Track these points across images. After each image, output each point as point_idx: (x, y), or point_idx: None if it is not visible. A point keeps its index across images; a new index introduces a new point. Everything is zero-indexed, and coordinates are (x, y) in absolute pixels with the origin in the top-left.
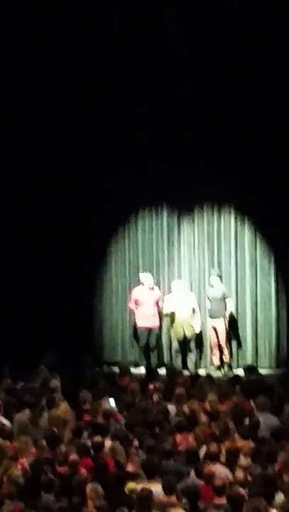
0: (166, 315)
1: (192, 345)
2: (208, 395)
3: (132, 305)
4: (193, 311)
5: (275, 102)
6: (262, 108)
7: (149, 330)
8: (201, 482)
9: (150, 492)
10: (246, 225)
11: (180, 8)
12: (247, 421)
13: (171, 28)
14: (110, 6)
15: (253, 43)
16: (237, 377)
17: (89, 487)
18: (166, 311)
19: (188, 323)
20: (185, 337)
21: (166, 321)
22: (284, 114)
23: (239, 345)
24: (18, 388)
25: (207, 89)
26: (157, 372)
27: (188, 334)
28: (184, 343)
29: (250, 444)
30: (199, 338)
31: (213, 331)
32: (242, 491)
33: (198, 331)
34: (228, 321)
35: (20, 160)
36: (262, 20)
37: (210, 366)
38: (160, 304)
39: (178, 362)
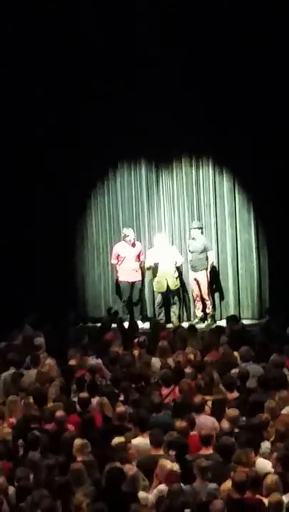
0: (149, 268)
1: (175, 298)
2: (193, 346)
3: (113, 260)
4: (176, 263)
5: (251, 53)
6: (238, 60)
7: (132, 284)
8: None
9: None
10: (224, 175)
11: None
12: (232, 371)
13: None
14: None
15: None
16: (221, 327)
17: (76, 443)
18: (148, 264)
19: (171, 275)
20: (168, 290)
21: (148, 275)
22: (260, 65)
23: (221, 296)
24: (1, 347)
25: (185, 43)
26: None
27: (172, 287)
28: (167, 296)
29: (235, 394)
30: (182, 291)
31: (195, 283)
32: (230, 440)
33: (181, 282)
34: (210, 273)
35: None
36: None
37: (193, 318)
38: (142, 258)
39: (161, 315)
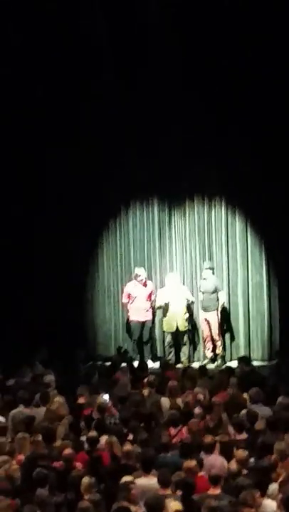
0: (160, 307)
1: (185, 338)
2: (202, 387)
3: (124, 299)
4: (188, 302)
5: (266, 92)
6: (252, 101)
7: (142, 324)
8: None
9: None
10: (237, 216)
11: None
12: (241, 413)
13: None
14: None
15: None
16: (230, 368)
17: (84, 481)
18: (159, 303)
19: (180, 315)
20: (177, 330)
21: (159, 314)
22: (275, 106)
23: (232, 337)
24: (10, 385)
25: (198, 82)
26: (147, 366)
27: (181, 327)
28: (177, 336)
29: (244, 435)
30: (193, 331)
31: (205, 323)
32: (240, 481)
33: (191, 323)
34: (221, 314)
35: (8, 152)
36: None
37: (203, 359)
38: (153, 297)
39: (171, 355)
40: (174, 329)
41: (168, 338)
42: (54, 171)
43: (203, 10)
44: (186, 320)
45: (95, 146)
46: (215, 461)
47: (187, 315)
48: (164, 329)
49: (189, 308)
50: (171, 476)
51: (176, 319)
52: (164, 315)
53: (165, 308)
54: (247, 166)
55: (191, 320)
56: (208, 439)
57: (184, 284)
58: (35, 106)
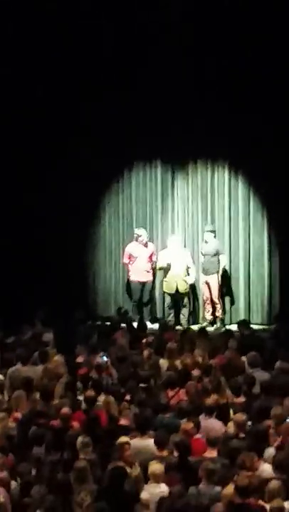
0: (161, 268)
1: (185, 300)
2: (201, 349)
3: (125, 259)
4: (187, 267)
5: (267, 56)
6: (254, 64)
7: (143, 284)
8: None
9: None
10: (240, 180)
11: None
12: (239, 376)
13: None
14: None
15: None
16: (229, 331)
17: (80, 440)
18: (160, 264)
19: (181, 277)
20: (177, 291)
21: (159, 276)
22: (276, 71)
23: (232, 300)
24: (10, 342)
25: (200, 44)
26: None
27: (181, 289)
28: (176, 298)
29: (242, 399)
30: (192, 294)
31: (206, 286)
32: (239, 443)
33: (191, 286)
34: (221, 277)
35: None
36: None
37: (203, 321)
38: (154, 258)
39: (170, 317)
40: (174, 291)
41: (168, 300)
42: (58, 132)
43: (203, 9)
44: (186, 282)
45: (100, 108)
46: (213, 423)
47: (188, 277)
48: (164, 290)
49: (188, 271)
50: (167, 438)
51: (176, 281)
52: (165, 276)
53: (166, 270)
54: (250, 131)
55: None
56: (210, 400)
57: (185, 246)
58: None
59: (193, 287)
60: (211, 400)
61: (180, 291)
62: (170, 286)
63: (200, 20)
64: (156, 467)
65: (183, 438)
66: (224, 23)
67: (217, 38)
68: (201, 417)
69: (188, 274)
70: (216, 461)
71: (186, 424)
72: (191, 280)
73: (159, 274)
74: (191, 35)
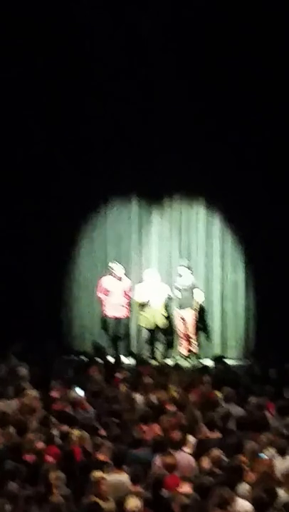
0: (141, 304)
1: (161, 335)
2: (176, 384)
3: (101, 294)
4: (167, 298)
5: (244, 93)
6: (231, 99)
7: (118, 319)
8: (166, 471)
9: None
10: (216, 215)
11: None
12: (214, 411)
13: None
14: None
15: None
16: (205, 366)
17: (55, 475)
18: (139, 299)
19: (159, 312)
20: (156, 326)
21: (135, 311)
22: (254, 106)
23: (207, 335)
24: None
25: (178, 80)
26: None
27: (160, 323)
28: (154, 333)
29: (217, 434)
30: (169, 328)
31: (181, 321)
32: (210, 480)
33: (169, 321)
34: (197, 312)
35: None
36: None
37: (178, 356)
38: (129, 293)
39: (146, 352)
40: (153, 325)
41: (144, 335)
42: (33, 166)
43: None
44: (165, 316)
45: (76, 144)
46: (187, 458)
47: (165, 311)
48: (143, 325)
49: (166, 305)
50: (142, 473)
51: (156, 315)
52: (142, 310)
53: (145, 304)
54: (227, 167)
55: (168, 317)
56: (178, 435)
57: (161, 281)
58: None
59: (169, 322)
60: (185, 434)
61: (158, 325)
62: (148, 320)
63: (171, 55)
64: (133, 503)
65: (157, 473)
66: (196, 62)
67: (194, 75)
68: (176, 452)
69: (166, 310)
70: (190, 496)
71: (168, 459)
72: (169, 314)
73: (135, 308)
74: (168, 72)
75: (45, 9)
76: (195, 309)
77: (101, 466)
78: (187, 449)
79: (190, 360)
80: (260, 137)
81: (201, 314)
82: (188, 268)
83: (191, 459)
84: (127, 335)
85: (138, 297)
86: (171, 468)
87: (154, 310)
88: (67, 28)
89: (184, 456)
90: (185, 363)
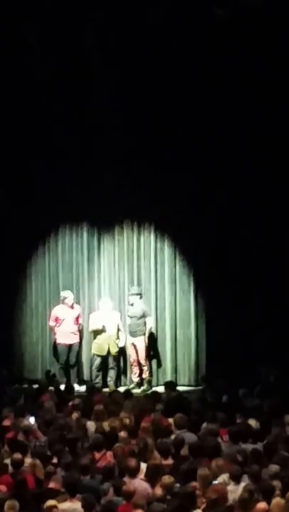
0: (96, 331)
1: (113, 362)
2: (128, 411)
3: (52, 322)
4: (118, 329)
5: (192, 114)
6: (180, 123)
7: (69, 347)
8: (120, 498)
9: None
10: (166, 242)
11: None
12: (167, 438)
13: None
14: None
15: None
16: (156, 393)
17: (7, 504)
18: (95, 327)
19: (113, 339)
20: (108, 353)
21: (86, 338)
22: (203, 128)
23: (159, 362)
24: None
25: (124, 107)
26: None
27: (113, 351)
28: (106, 360)
29: (169, 461)
30: (120, 356)
31: (133, 348)
32: (161, 506)
33: (121, 348)
34: (148, 339)
35: None
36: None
37: (130, 383)
38: (80, 321)
39: (98, 379)
40: (105, 353)
41: (97, 362)
42: None
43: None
44: (116, 344)
45: (25, 170)
46: (139, 486)
47: (118, 340)
48: (94, 352)
49: (118, 333)
50: (94, 500)
51: (109, 343)
52: (95, 338)
53: (99, 332)
54: (175, 193)
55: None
56: (133, 462)
57: (113, 308)
58: None
59: (121, 350)
60: (134, 462)
61: (111, 353)
62: (101, 348)
63: (127, 82)
64: None
65: (108, 501)
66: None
67: (143, 102)
68: (131, 479)
69: (119, 338)
70: None
71: (125, 486)
72: (122, 343)
73: (87, 335)
74: (119, 98)
75: None
76: (146, 336)
77: (54, 494)
78: (140, 476)
79: (142, 387)
80: (209, 166)
81: (152, 341)
82: (139, 295)
83: (147, 486)
84: (78, 362)
85: (92, 325)
86: (128, 495)
87: (106, 337)
88: None
89: (141, 484)
90: (137, 390)
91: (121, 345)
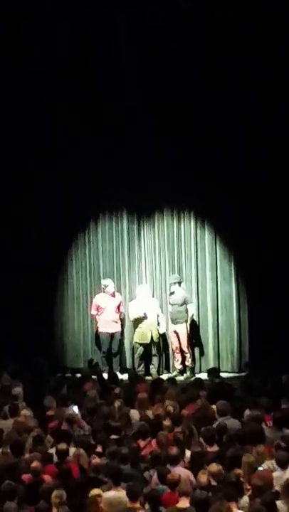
0: (137, 319)
1: (155, 350)
2: (171, 399)
3: (93, 311)
4: (158, 316)
5: (229, 105)
6: (220, 112)
7: (111, 335)
8: (164, 487)
9: None
10: (206, 228)
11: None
12: (212, 424)
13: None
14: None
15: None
16: (199, 380)
17: (54, 494)
18: (136, 314)
19: (155, 327)
20: (152, 341)
21: (128, 326)
22: (240, 118)
23: (201, 349)
24: None
25: (165, 95)
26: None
27: (155, 338)
28: (148, 348)
29: (214, 448)
30: (162, 343)
31: (175, 335)
32: (205, 494)
33: (162, 334)
34: (190, 326)
35: None
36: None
37: (172, 371)
38: (121, 309)
39: (140, 367)
40: (149, 340)
41: (139, 350)
42: (24, 183)
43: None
44: (158, 330)
45: (65, 160)
46: (185, 473)
47: (159, 326)
48: (137, 340)
49: (157, 319)
50: (139, 489)
51: (151, 330)
52: (137, 326)
53: (141, 319)
54: (215, 179)
55: (162, 332)
56: (174, 451)
57: (153, 296)
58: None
59: (162, 337)
60: (176, 449)
61: (154, 340)
62: (144, 335)
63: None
64: None
65: (153, 489)
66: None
67: (175, 89)
68: (174, 468)
69: (159, 324)
70: (188, 511)
71: (170, 475)
72: (162, 329)
73: (129, 324)
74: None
75: None
76: (188, 323)
77: (98, 483)
78: (184, 464)
79: (185, 375)
80: (249, 151)
81: (194, 328)
82: (180, 283)
83: (190, 474)
84: (121, 351)
85: (133, 313)
86: (173, 484)
87: (148, 325)
88: None
89: (183, 472)
90: (180, 377)
91: (162, 331)
